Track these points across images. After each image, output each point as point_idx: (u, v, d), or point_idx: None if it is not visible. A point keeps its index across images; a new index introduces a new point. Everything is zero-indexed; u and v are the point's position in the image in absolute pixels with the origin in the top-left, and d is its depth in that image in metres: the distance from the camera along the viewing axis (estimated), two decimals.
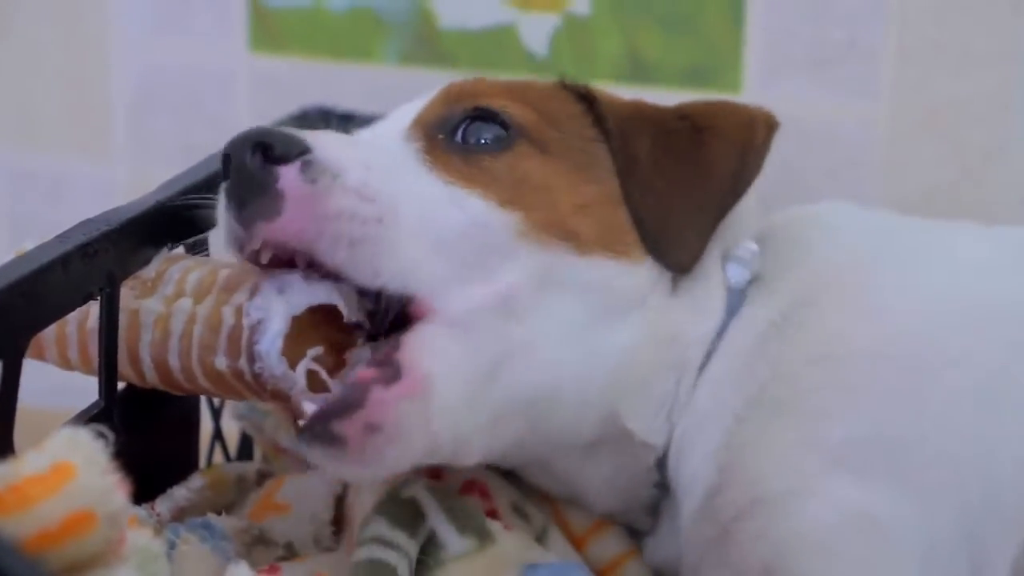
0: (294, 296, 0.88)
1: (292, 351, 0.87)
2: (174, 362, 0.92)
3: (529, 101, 0.98)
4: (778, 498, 0.89)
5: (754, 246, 0.99)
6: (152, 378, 0.95)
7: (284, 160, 0.87)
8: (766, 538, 0.89)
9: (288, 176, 0.86)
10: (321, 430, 0.84)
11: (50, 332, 0.96)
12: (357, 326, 0.89)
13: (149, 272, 0.97)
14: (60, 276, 0.89)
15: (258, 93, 1.48)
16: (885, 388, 0.91)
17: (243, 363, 0.88)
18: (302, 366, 0.87)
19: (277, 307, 0.88)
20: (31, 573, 0.65)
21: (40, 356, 0.98)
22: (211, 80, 1.50)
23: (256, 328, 0.88)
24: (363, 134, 1.01)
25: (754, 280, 0.99)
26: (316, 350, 0.87)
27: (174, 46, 1.51)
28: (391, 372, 0.85)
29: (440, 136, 0.96)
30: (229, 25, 1.48)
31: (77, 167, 1.56)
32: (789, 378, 0.93)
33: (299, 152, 0.87)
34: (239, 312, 0.89)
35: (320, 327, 0.89)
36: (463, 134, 0.96)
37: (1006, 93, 1.32)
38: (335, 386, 0.87)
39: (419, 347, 0.87)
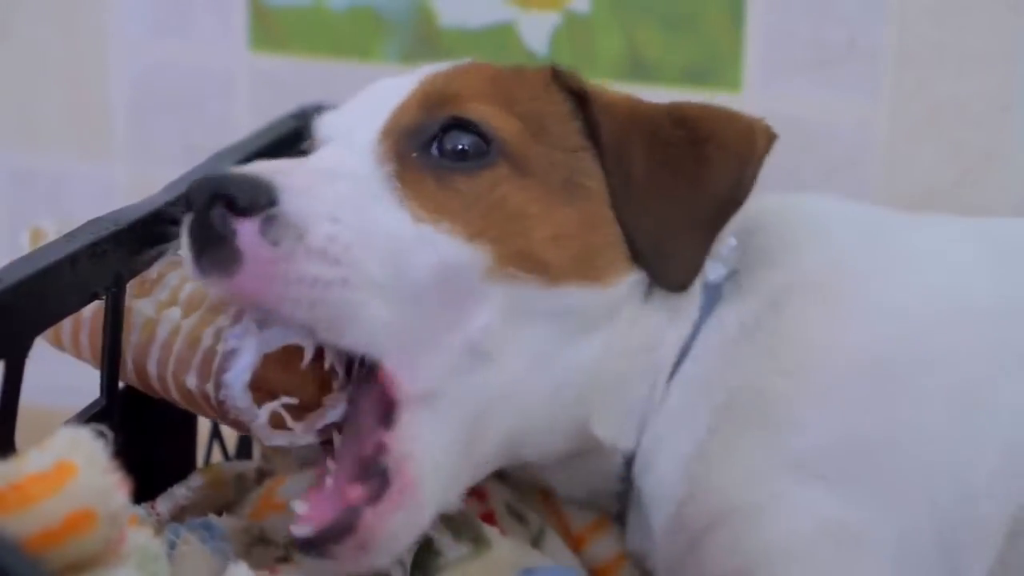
0: (271, 332, 0.87)
1: (260, 385, 0.87)
2: (152, 368, 0.92)
3: (514, 105, 0.94)
4: (748, 509, 0.89)
5: (732, 240, 0.98)
6: (131, 378, 0.95)
7: (247, 213, 0.82)
8: (738, 548, 0.89)
9: (248, 234, 0.82)
10: (315, 552, 0.85)
11: None
12: (332, 368, 0.88)
13: (151, 273, 0.97)
14: (67, 275, 0.89)
15: (258, 92, 1.48)
16: (855, 395, 0.90)
17: (210, 387, 0.88)
18: (269, 407, 0.86)
19: (252, 340, 0.87)
20: (32, 572, 0.65)
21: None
22: (211, 80, 1.50)
23: (228, 356, 0.87)
24: (335, 144, 0.95)
25: (731, 275, 0.97)
26: (286, 400, 0.86)
27: (174, 46, 1.51)
28: (379, 484, 0.85)
29: (413, 154, 0.91)
30: (229, 24, 1.48)
31: (77, 167, 1.56)
32: (759, 389, 0.92)
33: (263, 205, 0.82)
34: (218, 336, 0.89)
35: (293, 364, 0.87)
36: (440, 143, 0.91)
37: (1006, 93, 1.32)
38: (317, 501, 0.86)
39: (402, 444, 0.85)
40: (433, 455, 0.86)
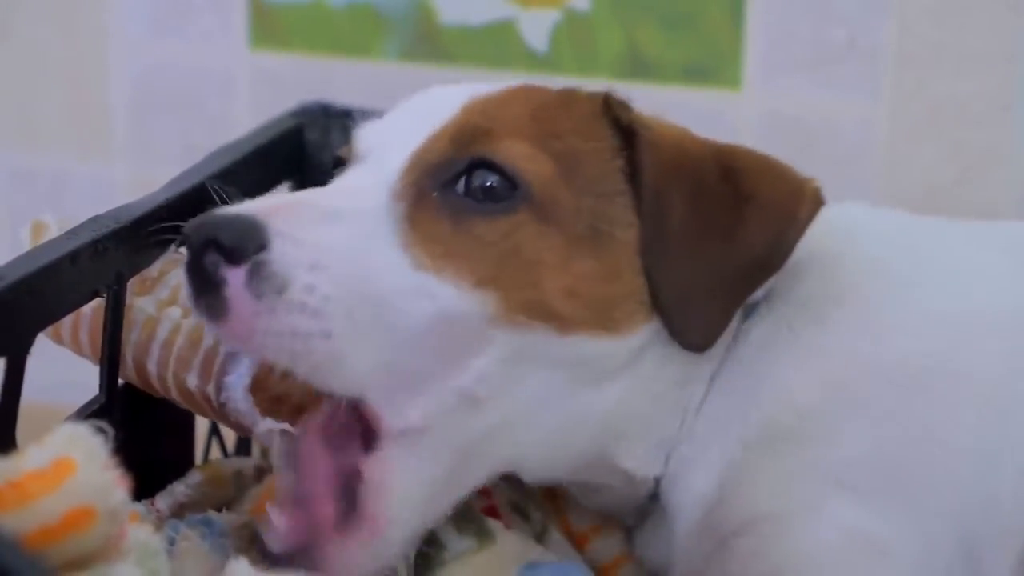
0: None
1: (261, 388, 0.87)
2: (151, 367, 0.92)
3: (554, 140, 0.91)
4: (777, 516, 0.89)
5: None
6: (131, 376, 0.95)
7: (235, 261, 0.81)
8: (765, 555, 0.88)
9: (235, 285, 0.81)
10: (280, 568, 0.84)
11: None
12: None
13: (151, 271, 0.97)
14: (68, 273, 0.89)
15: (258, 91, 1.48)
16: (887, 410, 0.90)
17: (211, 389, 0.88)
18: (267, 423, 0.86)
19: None
20: (32, 569, 0.65)
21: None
22: (211, 79, 1.50)
23: (229, 358, 0.87)
24: (364, 166, 0.92)
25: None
26: (284, 426, 0.86)
27: (174, 46, 1.51)
28: (348, 508, 0.84)
29: (434, 193, 0.88)
30: (229, 23, 1.48)
31: (77, 167, 1.56)
32: (792, 403, 0.91)
33: (251, 252, 0.81)
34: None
35: None
36: (467, 180, 0.88)
37: (1006, 93, 1.32)
38: (284, 527, 0.85)
39: (378, 476, 0.85)
40: (409, 490, 0.85)
